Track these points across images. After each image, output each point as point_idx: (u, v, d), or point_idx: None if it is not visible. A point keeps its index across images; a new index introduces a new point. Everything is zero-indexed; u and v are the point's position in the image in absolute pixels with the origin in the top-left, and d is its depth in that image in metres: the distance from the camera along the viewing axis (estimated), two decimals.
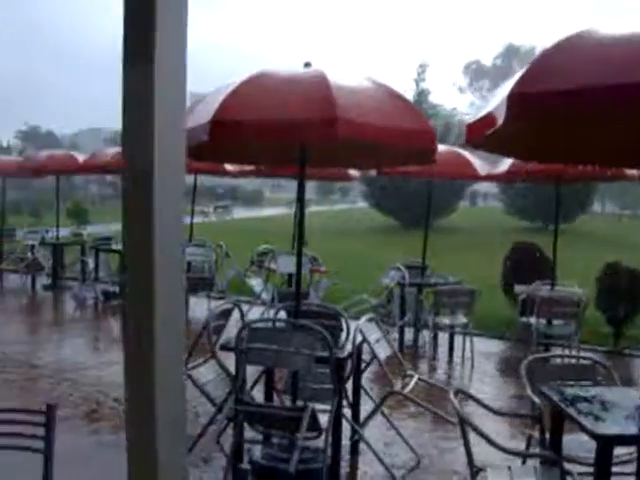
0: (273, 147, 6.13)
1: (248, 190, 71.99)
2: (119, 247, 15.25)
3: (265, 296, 11.46)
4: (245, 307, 7.64)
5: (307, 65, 5.47)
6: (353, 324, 6.10)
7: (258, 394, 6.29)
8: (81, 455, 5.97)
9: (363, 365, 6.27)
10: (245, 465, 5.65)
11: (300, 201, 5.76)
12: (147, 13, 2.55)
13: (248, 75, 5.04)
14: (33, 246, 17.14)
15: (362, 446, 6.18)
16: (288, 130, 4.71)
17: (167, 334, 2.61)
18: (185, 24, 2.66)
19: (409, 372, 6.33)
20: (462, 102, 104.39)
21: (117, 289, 14.44)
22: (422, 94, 44.35)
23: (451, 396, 4.45)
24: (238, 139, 5.34)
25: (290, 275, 11.50)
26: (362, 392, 6.25)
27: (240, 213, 51.97)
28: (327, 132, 4.63)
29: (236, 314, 6.47)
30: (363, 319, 6.02)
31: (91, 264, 15.07)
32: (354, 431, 6.07)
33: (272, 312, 10.32)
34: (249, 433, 5.71)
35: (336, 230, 31.23)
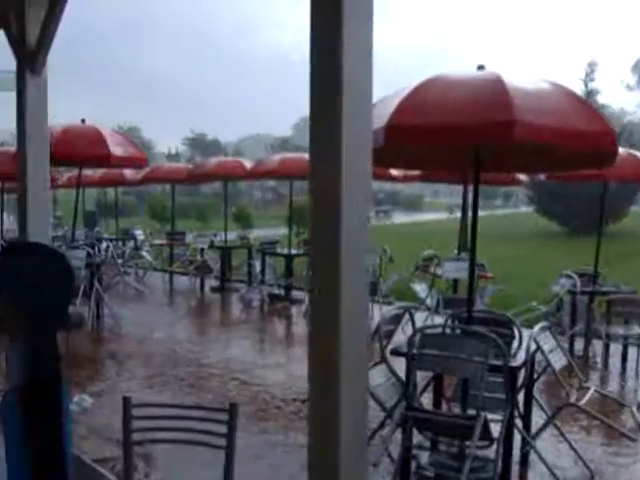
0: (446, 151, 6.06)
1: (408, 195, 71.77)
2: (285, 251, 15.60)
3: (429, 302, 11.36)
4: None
5: (480, 68, 5.37)
6: (525, 332, 5.94)
7: (425, 401, 6.24)
8: (251, 453, 6.12)
9: (535, 375, 6.09)
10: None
11: (474, 206, 5.64)
12: (334, 24, 2.59)
13: (424, 79, 5.02)
14: (202, 249, 17.83)
15: (532, 458, 5.99)
16: (463, 134, 4.64)
17: (352, 335, 2.63)
18: (371, 41, 2.68)
19: (584, 384, 6.09)
20: (630, 101, 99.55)
21: (282, 292, 14.78)
22: (591, 94, 42.66)
23: (634, 409, 4.24)
24: (412, 143, 5.31)
25: (455, 281, 11.36)
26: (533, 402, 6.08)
27: (400, 218, 51.92)
28: (504, 135, 4.52)
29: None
30: (537, 327, 5.85)
31: (257, 267, 15.48)
32: (525, 442, 5.90)
33: (436, 318, 10.26)
34: (416, 439, 5.68)
35: (499, 235, 30.56)
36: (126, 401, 3.37)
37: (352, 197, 2.56)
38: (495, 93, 4.70)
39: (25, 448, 4.19)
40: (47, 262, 4.02)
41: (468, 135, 4.66)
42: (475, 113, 4.65)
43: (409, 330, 7.30)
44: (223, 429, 3.40)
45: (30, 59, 5.30)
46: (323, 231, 2.66)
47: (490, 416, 5.24)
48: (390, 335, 6.09)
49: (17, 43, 5.55)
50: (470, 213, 12.72)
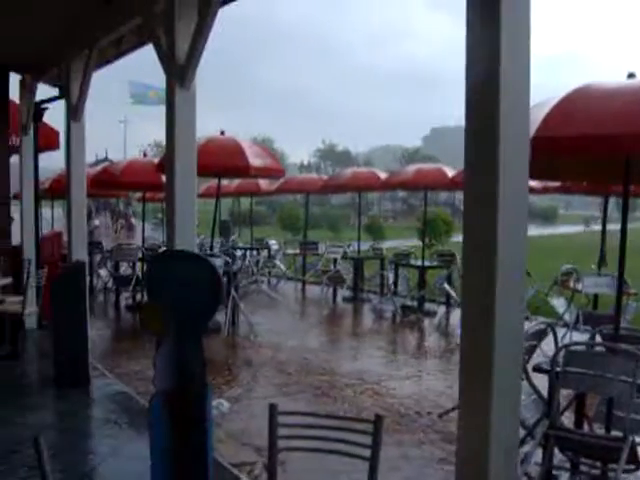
0: (592, 163, 5.86)
1: (541, 207, 70.01)
2: (418, 262, 15.50)
3: (567, 317, 11.01)
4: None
5: (631, 76, 5.17)
6: None
7: (565, 420, 6.03)
8: (386, 466, 6.08)
9: None
10: None
11: (623, 219, 5.42)
12: (491, 34, 2.55)
13: (571, 89, 4.87)
14: (335, 259, 17.98)
15: None
16: (615, 144, 4.46)
17: (506, 351, 2.57)
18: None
19: None
20: None
21: (415, 304, 14.68)
22: None
23: None
24: (560, 155, 5.17)
25: (596, 296, 10.96)
26: None
27: (533, 230, 50.69)
28: None
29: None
30: None
31: (390, 278, 15.47)
32: None
33: (575, 334, 9.92)
34: (556, 459, 5.50)
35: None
36: (272, 408, 3.41)
37: (509, 207, 2.50)
38: None
39: (170, 450, 4.33)
40: (198, 270, 4.14)
41: (620, 146, 4.48)
42: (627, 123, 4.46)
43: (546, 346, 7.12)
44: (364, 440, 3.38)
45: (180, 73, 5.48)
46: (478, 242, 2.61)
47: (638, 439, 5.02)
48: (532, 351, 5.92)
49: (167, 57, 5.75)
50: (610, 226, 12.27)
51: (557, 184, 11.44)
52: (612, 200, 15.04)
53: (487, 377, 2.57)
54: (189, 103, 5.37)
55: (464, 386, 2.71)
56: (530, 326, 6.11)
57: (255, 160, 11.11)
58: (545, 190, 12.65)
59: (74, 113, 8.54)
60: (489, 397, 2.56)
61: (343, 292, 16.95)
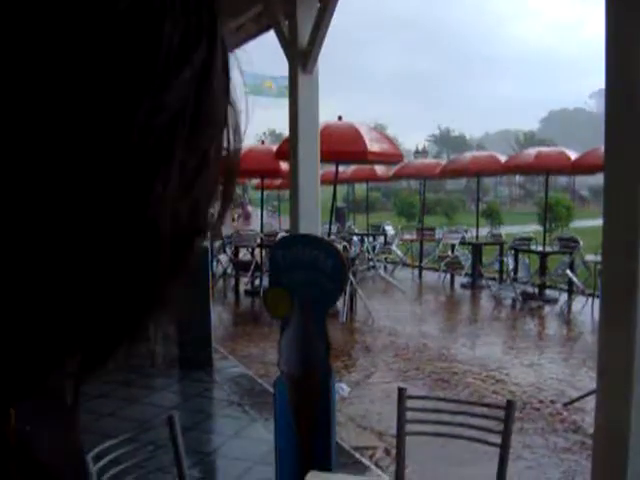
0: None
1: None
2: (538, 248, 15.14)
3: None
4: None
5: None
6: None
7: None
8: (511, 452, 5.97)
9: None
10: None
11: None
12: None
13: None
14: (453, 245, 17.78)
15: None
16: None
17: None
18: None
19: None
20: None
21: (536, 290, 14.36)
22: None
23: None
24: None
25: None
26: None
27: None
28: None
29: None
30: None
31: (510, 264, 15.18)
32: None
33: None
34: None
35: None
36: (401, 392, 3.38)
37: None
38: None
39: (294, 432, 4.38)
40: (323, 253, 4.16)
41: None
42: None
43: None
44: (492, 427, 3.33)
45: (302, 58, 5.51)
46: (619, 228, 2.50)
47: None
48: None
49: (289, 43, 5.79)
50: None
51: None
52: None
53: (626, 368, 2.46)
54: (312, 88, 5.39)
55: (602, 380, 2.61)
56: None
57: (373, 145, 11.06)
58: None
59: None
60: (629, 390, 2.46)
61: (461, 278, 16.76)
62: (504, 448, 3.22)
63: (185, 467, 2.77)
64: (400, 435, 3.38)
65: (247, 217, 41.51)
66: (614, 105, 2.58)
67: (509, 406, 3.21)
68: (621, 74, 2.56)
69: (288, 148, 6.03)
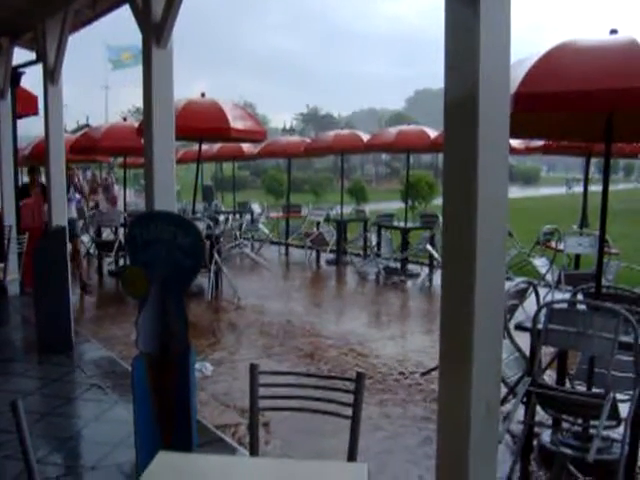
0: (575, 120, 5.82)
1: (524, 169, 70.13)
2: (401, 224, 15.52)
3: (549, 277, 11.07)
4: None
5: (613, 32, 5.11)
6: None
7: (548, 378, 6.09)
8: (370, 425, 6.13)
9: None
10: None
11: (604, 178, 5.39)
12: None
13: (552, 45, 4.82)
14: (318, 222, 17.98)
15: None
16: (598, 101, 4.42)
17: (486, 306, 2.56)
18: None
19: None
20: None
21: (398, 265, 14.72)
22: None
23: None
24: (542, 112, 5.13)
25: (578, 256, 11.03)
26: None
27: (516, 192, 50.71)
28: None
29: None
30: None
31: (373, 240, 15.49)
32: None
33: (557, 294, 9.97)
34: (538, 416, 5.56)
35: (621, 211, 29.41)
36: (253, 368, 3.39)
37: (489, 168, 2.48)
38: (632, 58, 4.46)
39: (153, 412, 4.33)
40: (179, 230, 4.11)
41: (603, 102, 4.45)
42: (611, 79, 4.42)
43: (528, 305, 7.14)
44: (346, 398, 3.38)
45: (155, 32, 5.37)
46: (457, 202, 2.59)
47: (618, 396, 5.05)
48: (513, 310, 5.95)
49: (142, 16, 5.64)
50: (592, 188, 12.27)
51: (539, 144, 11.45)
52: (594, 162, 15.02)
53: (468, 334, 2.56)
54: (166, 62, 5.28)
55: (445, 344, 2.70)
56: (511, 285, 6.13)
57: (236, 122, 11.00)
58: (527, 150, 12.66)
59: (51, 77, 8.41)
60: (470, 354, 2.56)
61: (326, 255, 16.96)
62: (355, 419, 3.27)
63: (31, 454, 2.67)
64: (253, 411, 3.39)
65: (114, 200, 40.22)
66: (452, 88, 2.65)
67: (359, 378, 3.27)
68: (459, 59, 2.63)
69: None
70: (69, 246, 10.58)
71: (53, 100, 8.44)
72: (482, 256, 2.47)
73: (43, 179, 11.57)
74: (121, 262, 14.31)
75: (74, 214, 12.31)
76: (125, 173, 16.57)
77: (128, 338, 8.43)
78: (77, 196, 11.60)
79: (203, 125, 10.81)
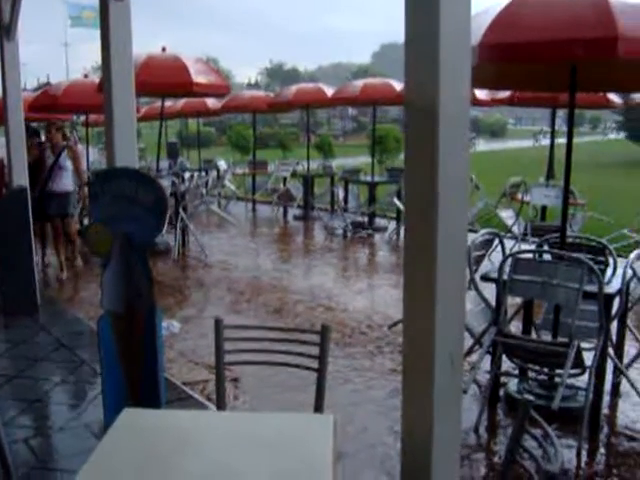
0: (539, 71, 5.80)
1: (491, 122, 70.19)
2: (368, 179, 15.49)
3: (516, 229, 11.15)
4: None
5: None
6: (619, 260, 5.77)
7: (513, 328, 6.16)
8: (338, 378, 6.18)
9: (630, 304, 5.89)
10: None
11: (569, 129, 5.37)
12: None
13: None
14: (285, 178, 17.90)
15: (624, 389, 5.87)
16: (561, 51, 4.41)
17: (449, 259, 2.56)
18: None
19: None
20: None
21: (366, 220, 14.73)
22: None
23: None
24: (507, 62, 5.10)
25: (543, 208, 11.10)
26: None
27: (483, 145, 50.89)
28: (606, 52, 4.27)
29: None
30: (634, 254, 5.62)
31: (340, 195, 15.47)
32: (618, 372, 5.77)
33: (524, 245, 10.05)
34: (504, 366, 5.64)
35: (587, 163, 29.62)
36: (218, 323, 3.38)
37: (450, 118, 2.45)
38: (596, 7, 4.43)
39: (120, 370, 4.30)
40: (141, 186, 4.04)
41: (566, 52, 4.43)
42: (575, 29, 4.40)
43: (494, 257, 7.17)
44: (314, 351, 3.39)
45: None
46: (418, 153, 2.57)
47: (583, 345, 5.13)
48: (479, 261, 5.99)
49: None
50: (558, 139, 12.32)
51: (504, 95, 11.43)
52: (561, 116, 15.03)
53: (430, 286, 2.56)
54: (124, 17, 5.13)
55: (408, 296, 2.70)
56: (477, 236, 6.16)
57: (199, 77, 10.82)
58: (493, 102, 12.64)
59: (7, 32, 8.18)
60: (432, 305, 2.56)
61: (293, 210, 16.92)
62: (321, 372, 3.29)
63: None
64: (219, 366, 3.38)
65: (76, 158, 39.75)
66: (411, 31, 2.61)
67: (324, 330, 3.28)
68: (418, 8, 2.59)
69: None
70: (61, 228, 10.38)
71: (9, 56, 8.22)
72: (443, 206, 2.46)
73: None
74: (86, 221, 14.15)
75: (69, 187, 10.69)
76: (87, 130, 16.30)
77: (94, 298, 8.36)
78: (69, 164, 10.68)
79: (164, 80, 10.62)
